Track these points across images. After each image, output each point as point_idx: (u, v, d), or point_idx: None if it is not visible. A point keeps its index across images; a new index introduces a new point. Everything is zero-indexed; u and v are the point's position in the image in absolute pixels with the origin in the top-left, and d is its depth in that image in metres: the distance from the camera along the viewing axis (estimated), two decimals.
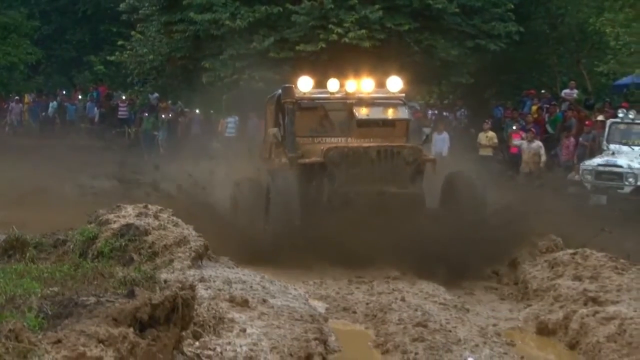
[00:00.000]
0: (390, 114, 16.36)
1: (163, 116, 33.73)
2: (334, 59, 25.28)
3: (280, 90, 16.72)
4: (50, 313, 7.90)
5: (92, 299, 8.12)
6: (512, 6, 29.69)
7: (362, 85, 16.37)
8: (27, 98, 41.32)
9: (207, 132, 33.92)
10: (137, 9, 32.50)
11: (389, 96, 16.46)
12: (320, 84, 16.51)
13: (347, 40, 26.59)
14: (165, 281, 9.65)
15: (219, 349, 8.56)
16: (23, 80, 44.49)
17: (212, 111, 34.54)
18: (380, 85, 16.65)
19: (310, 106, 16.27)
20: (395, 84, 16.43)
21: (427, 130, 18.69)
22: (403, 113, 16.39)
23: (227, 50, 28.08)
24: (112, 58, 34.60)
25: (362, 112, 16.06)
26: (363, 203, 14.16)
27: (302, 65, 24.16)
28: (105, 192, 20.95)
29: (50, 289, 8.61)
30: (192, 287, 8.05)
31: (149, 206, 13.95)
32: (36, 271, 10.36)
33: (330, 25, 26.84)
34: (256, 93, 27.76)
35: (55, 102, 40.44)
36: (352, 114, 16.01)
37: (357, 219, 13.49)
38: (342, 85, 16.33)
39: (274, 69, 26.81)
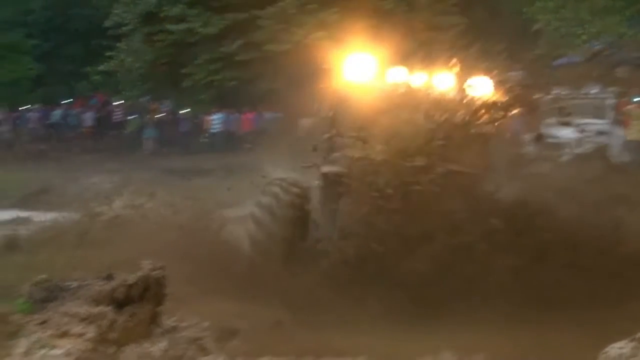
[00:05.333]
0: None
1: (148, 117, 33.87)
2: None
3: None
4: (39, 298, 7.98)
5: (75, 284, 8.20)
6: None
7: None
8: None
9: (195, 129, 34.12)
10: (122, 24, 32.62)
11: None
12: None
13: (308, 41, 26.65)
14: None
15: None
16: (27, 93, 44.46)
17: (188, 109, 34.59)
18: None
19: None
20: None
21: None
22: None
23: (201, 55, 28.20)
24: (102, 68, 34.69)
25: None
26: None
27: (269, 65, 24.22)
28: (103, 188, 21.04)
29: (41, 276, 8.67)
30: (162, 267, 8.10)
31: (131, 200, 14.03)
32: (33, 262, 10.48)
33: (293, 28, 26.91)
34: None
35: (58, 111, 40.50)
36: None
37: None
38: None
39: (242, 69, 26.93)
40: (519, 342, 7.48)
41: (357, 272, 9.25)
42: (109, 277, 8.20)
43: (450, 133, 10.29)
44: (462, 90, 10.99)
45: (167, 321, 8.10)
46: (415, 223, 9.45)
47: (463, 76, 11.10)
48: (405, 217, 9.48)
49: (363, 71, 11.03)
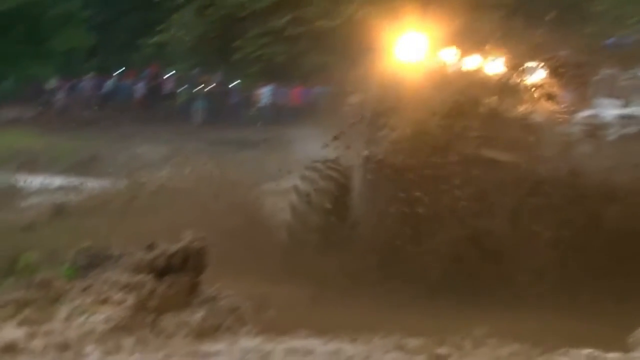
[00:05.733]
0: None
1: (198, 89, 34.08)
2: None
3: None
4: (82, 264, 8.11)
5: (118, 252, 8.33)
6: None
7: None
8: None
9: (244, 102, 34.29)
10: None
11: None
12: None
13: (359, 17, 26.42)
14: None
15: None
16: (81, 62, 44.86)
17: (238, 82, 34.68)
18: None
19: None
20: None
21: None
22: None
23: (251, 29, 28.19)
24: (155, 40, 34.88)
25: None
26: None
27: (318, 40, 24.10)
28: (151, 158, 21.25)
29: (85, 243, 8.79)
30: (203, 238, 8.17)
31: (178, 171, 14.12)
32: (79, 228, 10.63)
33: (343, 4, 26.74)
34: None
35: (111, 81, 40.89)
36: None
37: None
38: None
39: (292, 44, 26.85)
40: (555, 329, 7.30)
41: (395, 254, 9.10)
42: (151, 247, 8.31)
43: (497, 117, 9.88)
44: (513, 73, 10.57)
45: (207, 291, 8.19)
46: (452, 206, 9.20)
47: (514, 59, 10.68)
48: (441, 200, 9.23)
49: (413, 51, 10.60)
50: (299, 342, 6.92)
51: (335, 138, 10.45)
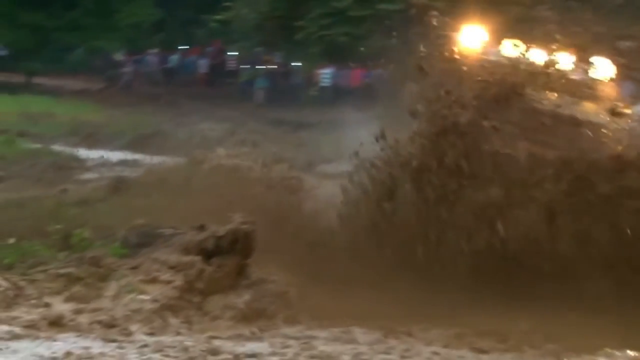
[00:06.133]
0: None
1: (260, 67, 34.17)
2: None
3: None
4: (134, 242, 8.21)
5: (169, 231, 8.41)
6: None
7: None
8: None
9: (305, 82, 34.34)
10: None
11: None
12: None
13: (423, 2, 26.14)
14: None
15: None
16: (147, 37, 45.25)
17: (296, 63, 34.70)
18: None
19: None
20: None
21: None
22: None
23: (315, 9, 28.11)
24: (219, 17, 34.95)
25: None
26: None
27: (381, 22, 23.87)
28: (211, 135, 21.39)
29: (137, 221, 8.88)
30: (252, 222, 8.20)
31: (237, 150, 14.18)
32: (135, 205, 10.72)
33: None
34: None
35: (175, 57, 41.22)
36: None
37: None
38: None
39: (354, 25, 26.69)
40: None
41: (443, 248, 8.75)
42: (201, 228, 8.37)
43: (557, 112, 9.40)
44: (580, 69, 10.07)
45: (254, 274, 8.23)
46: (505, 201, 8.85)
47: (581, 53, 10.12)
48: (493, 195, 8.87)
49: (476, 40, 10.11)
50: (341, 329, 6.93)
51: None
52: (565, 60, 10.08)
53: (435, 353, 6.42)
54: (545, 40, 10.14)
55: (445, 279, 8.16)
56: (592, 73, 10.18)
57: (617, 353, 6.07)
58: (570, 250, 8.63)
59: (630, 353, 6.11)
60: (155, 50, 42.77)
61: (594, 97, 10.01)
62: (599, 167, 8.94)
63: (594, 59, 10.25)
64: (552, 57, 10.01)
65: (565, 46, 10.14)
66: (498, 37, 10.27)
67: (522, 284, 8.15)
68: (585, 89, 10.01)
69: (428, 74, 10.17)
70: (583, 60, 10.20)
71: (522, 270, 8.40)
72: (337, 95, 30.47)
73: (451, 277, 8.19)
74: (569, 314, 7.61)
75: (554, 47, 10.09)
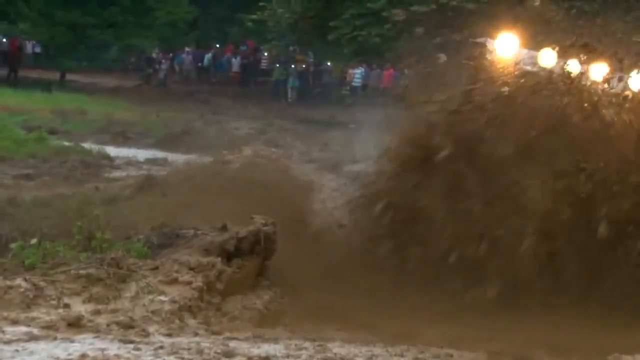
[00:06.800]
0: None
1: (292, 66, 34.22)
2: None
3: None
4: (155, 243, 8.23)
5: (191, 232, 8.42)
6: None
7: None
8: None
9: (337, 82, 34.40)
10: None
11: None
12: None
13: (454, 3, 26.07)
14: None
15: None
16: (182, 35, 45.49)
17: (328, 63, 34.70)
18: None
19: None
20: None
21: None
22: None
23: (349, 9, 28.16)
24: (254, 16, 35.06)
25: None
26: None
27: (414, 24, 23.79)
28: (241, 134, 21.48)
29: (161, 221, 8.91)
30: (274, 223, 8.22)
31: (265, 149, 14.18)
32: (160, 204, 10.75)
33: None
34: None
35: (210, 54, 41.44)
36: None
37: None
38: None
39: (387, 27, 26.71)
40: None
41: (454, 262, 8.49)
42: (223, 228, 8.39)
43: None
44: (616, 81, 9.48)
45: (274, 275, 8.24)
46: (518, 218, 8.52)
47: (619, 66, 9.57)
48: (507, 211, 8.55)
49: (509, 48, 9.66)
50: (357, 334, 6.91)
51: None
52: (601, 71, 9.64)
53: (449, 355, 6.38)
54: (582, 50, 9.69)
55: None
56: (630, 84, 9.62)
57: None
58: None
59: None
60: (190, 49, 43.02)
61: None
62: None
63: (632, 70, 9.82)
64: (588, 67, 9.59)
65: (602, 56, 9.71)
66: (536, 45, 9.87)
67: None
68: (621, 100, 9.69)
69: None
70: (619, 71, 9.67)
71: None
72: (368, 95, 30.51)
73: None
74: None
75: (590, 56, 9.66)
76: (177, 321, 6.63)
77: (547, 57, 9.64)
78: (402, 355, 6.39)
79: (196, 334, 6.48)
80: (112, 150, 16.20)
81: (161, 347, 5.59)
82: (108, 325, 6.11)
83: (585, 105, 9.24)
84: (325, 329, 7.10)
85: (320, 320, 7.47)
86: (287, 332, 6.95)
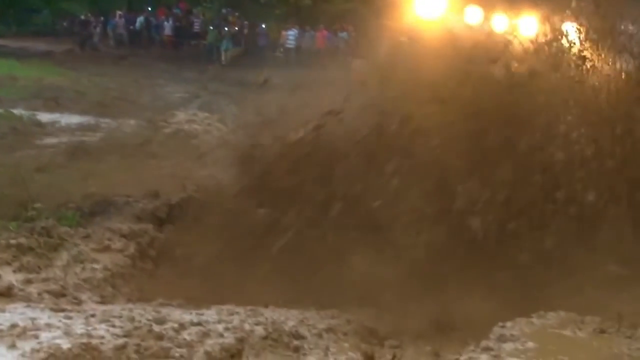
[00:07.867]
0: None
1: (226, 29, 33.89)
2: None
3: None
4: (87, 211, 8.19)
5: (123, 199, 8.40)
6: None
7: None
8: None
9: (271, 44, 34.14)
10: None
11: None
12: None
13: None
14: None
15: None
16: None
17: (263, 25, 34.45)
18: None
19: None
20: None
21: None
22: None
23: None
24: None
25: None
26: None
27: None
28: (175, 98, 21.29)
29: (92, 189, 8.86)
30: (205, 190, 8.24)
31: (198, 114, 14.12)
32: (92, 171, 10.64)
33: None
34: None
35: (142, 18, 40.77)
36: None
37: None
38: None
39: None
40: None
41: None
42: (155, 195, 8.39)
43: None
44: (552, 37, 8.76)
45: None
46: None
47: (552, 20, 8.87)
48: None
49: (434, 7, 9.45)
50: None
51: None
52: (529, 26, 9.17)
53: None
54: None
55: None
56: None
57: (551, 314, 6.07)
58: None
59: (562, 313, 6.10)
60: (122, 12, 42.27)
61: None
62: None
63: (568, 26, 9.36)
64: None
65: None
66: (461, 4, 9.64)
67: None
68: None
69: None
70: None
71: None
72: (301, 57, 30.44)
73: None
74: None
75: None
76: (109, 289, 6.64)
77: (473, 15, 9.47)
78: (333, 317, 6.52)
79: (129, 301, 6.49)
80: (43, 117, 15.84)
81: (92, 315, 5.58)
82: (39, 294, 6.08)
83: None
84: None
85: None
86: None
